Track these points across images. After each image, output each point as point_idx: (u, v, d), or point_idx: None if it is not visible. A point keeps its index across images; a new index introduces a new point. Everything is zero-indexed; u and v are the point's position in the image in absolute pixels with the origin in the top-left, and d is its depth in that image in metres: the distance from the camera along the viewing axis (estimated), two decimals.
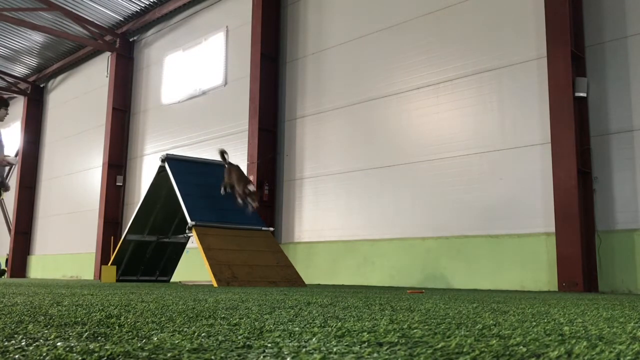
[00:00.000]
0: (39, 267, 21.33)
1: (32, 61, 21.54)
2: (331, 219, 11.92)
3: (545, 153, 8.91)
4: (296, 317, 2.47)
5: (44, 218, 21.65)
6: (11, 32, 19.18)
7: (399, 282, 10.49)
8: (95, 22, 17.79)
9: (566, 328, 2.08)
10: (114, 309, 2.86)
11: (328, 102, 12.36)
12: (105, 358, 1.25)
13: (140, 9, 17.25)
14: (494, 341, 1.62)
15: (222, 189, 9.64)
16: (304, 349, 1.42)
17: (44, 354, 1.28)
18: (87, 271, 18.39)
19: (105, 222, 17.32)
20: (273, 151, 13.24)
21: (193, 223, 8.88)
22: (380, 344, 1.53)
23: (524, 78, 9.37)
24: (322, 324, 2.11)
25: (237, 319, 2.30)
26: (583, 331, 1.97)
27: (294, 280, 8.91)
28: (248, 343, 1.54)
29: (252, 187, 9.50)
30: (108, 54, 18.78)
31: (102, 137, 18.51)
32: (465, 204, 9.80)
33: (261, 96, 13.16)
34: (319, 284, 11.03)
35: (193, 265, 13.73)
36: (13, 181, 23.30)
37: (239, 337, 1.66)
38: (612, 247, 8.24)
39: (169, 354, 1.31)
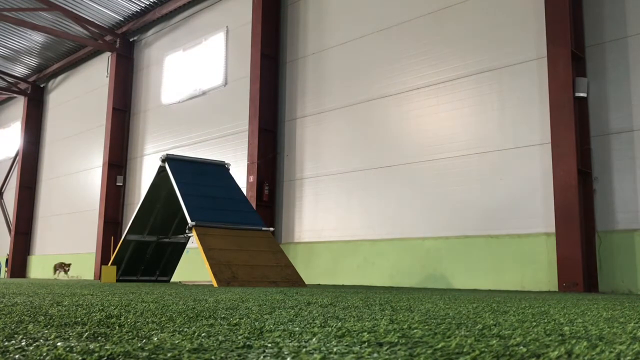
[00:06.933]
0: (39, 267, 21.33)
1: (32, 61, 21.54)
2: (331, 219, 11.92)
3: (545, 153, 8.90)
4: (296, 317, 2.47)
5: (44, 218, 21.65)
6: (11, 32, 19.19)
7: (399, 282, 10.48)
8: (96, 22, 17.80)
9: (566, 328, 2.08)
10: (114, 309, 2.86)
11: (328, 102, 12.36)
12: (105, 358, 1.24)
13: (141, 9, 17.25)
14: (494, 341, 1.62)
15: None
16: (304, 349, 1.42)
17: (44, 354, 1.28)
18: (87, 271, 18.39)
19: (105, 222, 17.32)
20: (273, 151, 13.23)
21: (193, 223, 8.88)
22: (381, 344, 1.53)
23: (524, 78, 9.37)
24: (322, 324, 2.11)
25: (237, 319, 2.30)
26: (583, 331, 1.97)
27: (294, 280, 8.91)
28: (248, 343, 1.54)
29: None
30: (108, 54, 18.79)
31: (102, 137, 18.52)
32: (465, 204, 9.79)
33: (261, 96, 13.15)
34: (319, 284, 11.03)
35: (193, 265, 13.73)
36: (13, 181, 23.31)
37: (239, 337, 1.66)
38: (612, 248, 8.24)
39: (169, 354, 1.31)
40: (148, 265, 11.89)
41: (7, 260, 22.25)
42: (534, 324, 2.26)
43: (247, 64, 13.91)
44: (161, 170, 10.38)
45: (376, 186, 11.18)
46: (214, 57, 15.40)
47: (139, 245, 11.49)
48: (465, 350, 1.44)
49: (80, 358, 1.23)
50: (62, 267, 18.08)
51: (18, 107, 24.09)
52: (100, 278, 14.69)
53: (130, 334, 1.72)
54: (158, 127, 16.85)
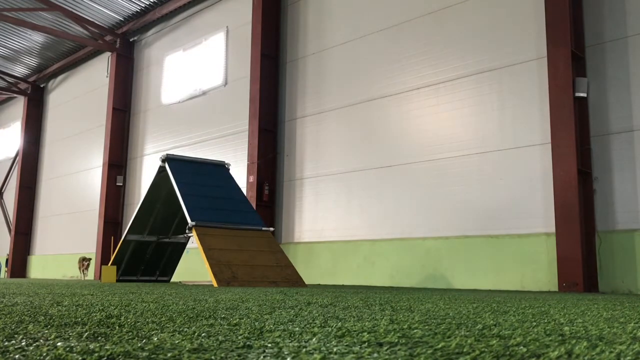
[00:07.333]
0: (39, 267, 21.32)
1: (32, 61, 21.54)
2: (331, 219, 11.92)
3: (545, 153, 8.90)
4: (296, 317, 2.47)
5: (44, 218, 21.65)
6: (11, 32, 19.18)
7: (399, 282, 10.48)
8: (96, 22, 17.79)
9: (566, 328, 2.08)
10: (114, 309, 2.86)
11: (328, 102, 12.36)
12: (105, 358, 1.24)
13: (141, 9, 17.25)
14: (494, 341, 1.62)
15: None
16: (304, 349, 1.42)
17: (44, 354, 1.28)
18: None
19: (105, 222, 17.32)
20: (273, 151, 13.23)
21: (193, 223, 8.88)
22: (381, 344, 1.53)
23: (524, 78, 9.36)
24: (322, 324, 2.11)
25: (237, 319, 2.30)
26: (583, 331, 1.97)
27: (294, 280, 8.91)
28: (248, 343, 1.54)
29: None
30: (108, 54, 18.79)
31: (102, 137, 18.52)
32: (465, 204, 9.79)
33: (261, 96, 13.15)
34: (319, 284, 11.03)
35: (193, 265, 13.74)
36: (13, 181, 23.31)
37: (239, 337, 1.66)
38: (612, 248, 8.24)
39: (169, 354, 1.30)
40: (148, 265, 11.89)
41: (7, 260, 22.25)
42: (534, 324, 2.26)
43: (247, 64, 13.92)
44: (161, 170, 10.38)
45: (376, 186, 11.18)
46: (214, 57, 15.40)
47: (139, 245, 11.49)
48: (465, 350, 1.44)
49: (80, 358, 1.23)
50: (84, 264, 17.48)
51: (18, 107, 24.08)
52: (100, 278, 14.69)
53: (130, 334, 1.72)
54: (158, 127, 16.85)
